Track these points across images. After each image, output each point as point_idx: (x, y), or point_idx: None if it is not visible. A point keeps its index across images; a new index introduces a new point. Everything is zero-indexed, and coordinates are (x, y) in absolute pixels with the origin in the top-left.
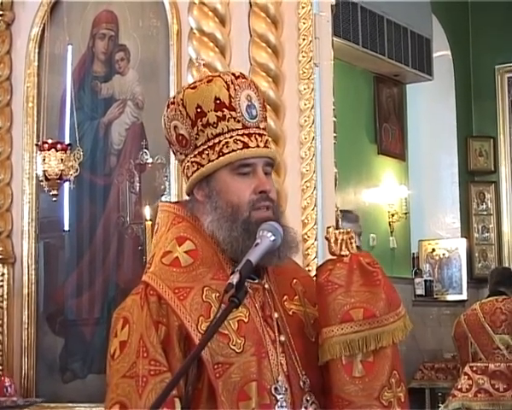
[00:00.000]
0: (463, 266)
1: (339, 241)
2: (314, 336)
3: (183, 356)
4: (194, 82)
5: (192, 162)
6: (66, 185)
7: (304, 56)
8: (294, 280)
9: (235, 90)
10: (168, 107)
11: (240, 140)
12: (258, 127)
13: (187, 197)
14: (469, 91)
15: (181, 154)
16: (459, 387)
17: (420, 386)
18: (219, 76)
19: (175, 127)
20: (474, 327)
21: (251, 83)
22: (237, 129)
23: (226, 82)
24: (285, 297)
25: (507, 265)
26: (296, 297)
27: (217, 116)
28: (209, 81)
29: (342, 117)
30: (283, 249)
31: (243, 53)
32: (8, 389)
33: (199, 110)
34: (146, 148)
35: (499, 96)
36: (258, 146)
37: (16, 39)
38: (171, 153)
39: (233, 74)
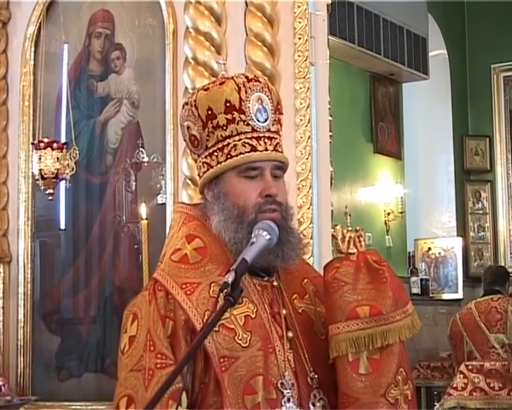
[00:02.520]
0: (459, 265)
1: (346, 239)
2: (324, 334)
3: None
4: (208, 83)
5: (203, 163)
6: (63, 184)
7: (300, 55)
8: (305, 280)
9: (246, 92)
10: (183, 107)
11: (248, 143)
12: (268, 130)
13: (185, 197)
14: (465, 90)
15: (194, 154)
16: (455, 385)
17: (416, 384)
18: (232, 78)
19: (188, 128)
20: (470, 326)
21: (264, 86)
22: (246, 132)
23: (238, 85)
24: (295, 295)
25: (502, 264)
26: (307, 296)
27: (226, 119)
28: (221, 83)
29: (338, 116)
30: (287, 251)
31: (239, 52)
32: (2, 388)
33: (210, 112)
34: (142, 147)
35: (495, 95)
36: (266, 149)
37: (12, 38)
38: (167, 152)
39: (246, 77)
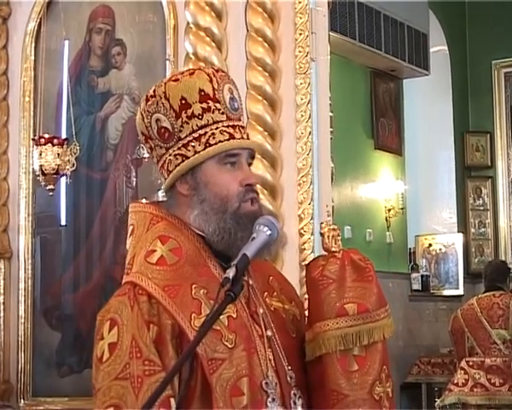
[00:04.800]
0: (460, 262)
1: (330, 237)
2: (295, 332)
3: (176, 355)
4: (175, 75)
5: (175, 155)
6: (63, 180)
7: (300, 51)
8: (271, 277)
9: (217, 83)
10: (148, 100)
11: (225, 131)
12: (239, 119)
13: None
14: (466, 86)
15: (161, 148)
16: (455, 381)
17: (416, 381)
18: (200, 69)
19: (157, 120)
20: (471, 322)
21: (229, 77)
22: (222, 121)
23: (208, 74)
24: (265, 293)
25: (503, 260)
26: (275, 294)
27: (202, 108)
28: (191, 74)
29: (339, 112)
30: (275, 244)
31: (240, 47)
32: None
33: (183, 102)
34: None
35: (496, 92)
36: (242, 138)
37: (13, 34)
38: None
39: (212, 68)
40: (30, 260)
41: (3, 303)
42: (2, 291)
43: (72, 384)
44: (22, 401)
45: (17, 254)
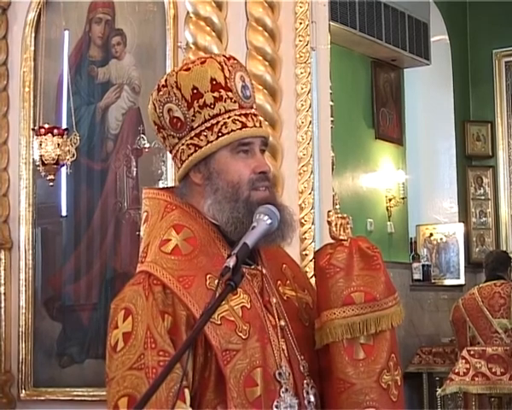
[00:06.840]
0: (461, 251)
1: (338, 225)
2: (308, 321)
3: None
4: (186, 64)
5: (188, 145)
6: (63, 170)
7: (301, 40)
8: (284, 265)
9: (229, 71)
10: (159, 90)
11: (238, 120)
12: (251, 107)
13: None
14: (467, 76)
15: (173, 138)
16: (456, 371)
17: (417, 370)
18: (211, 57)
19: (169, 110)
20: (473, 311)
21: (241, 65)
22: (234, 109)
23: (219, 63)
24: (278, 282)
25: (504, 249)
26: (288, 282)
27: (214, 97)
28: (202, 63)
29: (339, 101)
30: (286, 228)
31: (240, 37)
32: None
33: (195, 91)
34: (143, 133)
35: (497, 81)
36: (255, 126)
37: (12, 24)
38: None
39: (223, 56)
40: (30, 251)
41: (4, 294)
42: (2, 282)
43: (74, 375)
44: (23, 391)
45: (18, 245)
